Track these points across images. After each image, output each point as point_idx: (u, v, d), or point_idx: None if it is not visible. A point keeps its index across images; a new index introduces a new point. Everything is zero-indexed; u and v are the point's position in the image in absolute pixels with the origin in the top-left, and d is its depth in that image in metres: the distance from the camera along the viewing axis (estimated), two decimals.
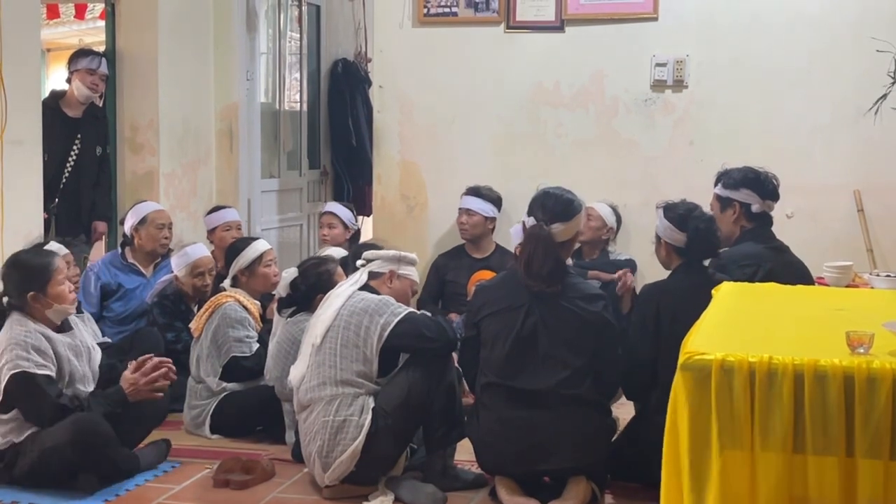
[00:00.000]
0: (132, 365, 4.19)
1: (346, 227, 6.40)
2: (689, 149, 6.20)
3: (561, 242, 4.04)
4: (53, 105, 6.06)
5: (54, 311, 4.17)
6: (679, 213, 4.21)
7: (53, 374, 4.07)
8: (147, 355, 4.23)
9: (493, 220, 6.10)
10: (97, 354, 4.38)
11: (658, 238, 4.29)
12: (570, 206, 4.07)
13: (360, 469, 3.96)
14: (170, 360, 4.25)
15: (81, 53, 6.27)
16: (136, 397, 4.17)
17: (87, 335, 4.41)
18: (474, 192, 6.11)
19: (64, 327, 4.24)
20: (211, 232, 6.22)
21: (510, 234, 5.83)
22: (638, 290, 5.14)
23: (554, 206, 4.04)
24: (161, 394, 4.23)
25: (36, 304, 4.14)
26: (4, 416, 4.05)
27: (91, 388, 4.25)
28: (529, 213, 4.10)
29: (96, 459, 4.01)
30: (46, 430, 4.00)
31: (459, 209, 6.13)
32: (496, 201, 6.13)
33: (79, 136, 6.14)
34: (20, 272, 4.18)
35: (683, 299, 3.93)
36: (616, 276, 5.34)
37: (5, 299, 4.19)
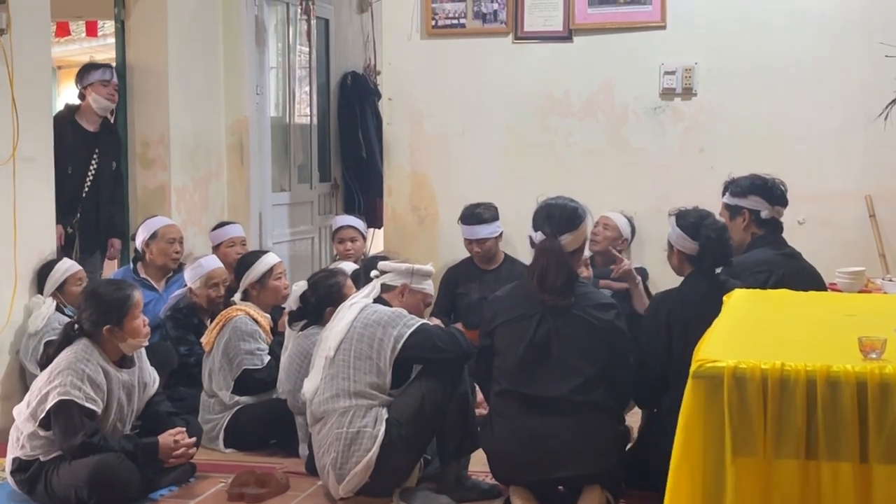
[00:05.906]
0: (176, 431, 4.24)
1: (364, 238, 6.41)
2: (700, 156, 6.19)
3: (571, 252, 4.04)
4: (70, 118, 6.05)
5: (128, 344, 4.22)
6: (691, 222, 4.20)
7: (99, 410, 4.08)
8: (181, 432, 4.25)
9: (501, 233, 6.02)
10: (153, 388, 4.40)
11: (670, 245, 4.28)
12: (575, 214, 4.08)
13: (375, 481, 3.96)
14: (193, 440, 4.29)
15: (91, 67, 6.24)
16: (165, 459, 4.21)
17: (147, 368, 4.40)
18: (477, 220, 5.94)
19: (127, 362, 4.27)
20: (215, 248, 6.17)
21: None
22: (649, 300, 5.13)
23: (560, 216, 4.05)
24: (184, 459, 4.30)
25: (111, 337, 4.17)
26: (42, 433, 4.07)
27: (130, 425, 4.27)
28: (536, 228, 4.09)
29: (112, 501, 4.01)
30: (67, 466, 4.01)
31: (467, 239, 6.01)
32: (496, 215, 5.99)
33: (97, 150, 6.12)
34: (99, 305, 4.19)
35: (695, 307, 3.93)
36: (623, 265, 5.36)
37: (77, 325, 4.22)
